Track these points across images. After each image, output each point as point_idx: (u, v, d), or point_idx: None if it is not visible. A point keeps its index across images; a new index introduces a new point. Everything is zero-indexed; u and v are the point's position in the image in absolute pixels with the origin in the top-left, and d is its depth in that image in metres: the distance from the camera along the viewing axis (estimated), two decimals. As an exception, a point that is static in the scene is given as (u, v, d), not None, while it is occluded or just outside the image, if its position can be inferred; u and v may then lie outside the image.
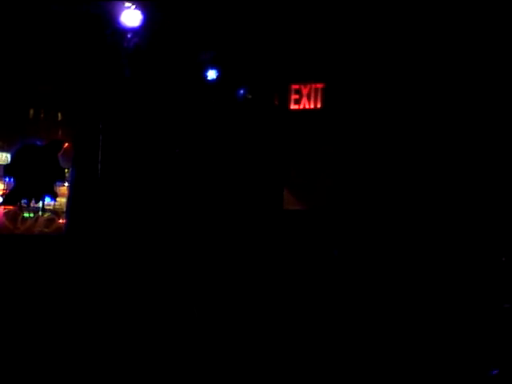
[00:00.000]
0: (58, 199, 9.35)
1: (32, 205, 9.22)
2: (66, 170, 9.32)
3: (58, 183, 9.31)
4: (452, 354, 6.42)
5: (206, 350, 6.59)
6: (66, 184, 9.36)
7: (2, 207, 9.21)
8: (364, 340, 6.85)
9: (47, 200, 9.31)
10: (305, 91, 9.50)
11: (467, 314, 7.22)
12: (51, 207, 9.37)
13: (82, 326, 7.08)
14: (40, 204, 9.29)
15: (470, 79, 8.36)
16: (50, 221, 9.36)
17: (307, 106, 9.50)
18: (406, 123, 8.78)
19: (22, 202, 9.19)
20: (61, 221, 9.38)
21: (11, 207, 9.23)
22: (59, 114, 9.57)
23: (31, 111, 9.43)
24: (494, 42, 8.17)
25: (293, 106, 9.59)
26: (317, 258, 8.80)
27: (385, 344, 6.72)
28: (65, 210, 9.35)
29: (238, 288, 8.18)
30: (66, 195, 9.36)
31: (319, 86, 9.44)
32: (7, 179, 9.26)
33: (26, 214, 9.24)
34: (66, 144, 9.35)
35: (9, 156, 9.32)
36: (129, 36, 8.84)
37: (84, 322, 7.20)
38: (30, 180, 9.13)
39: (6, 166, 9.25)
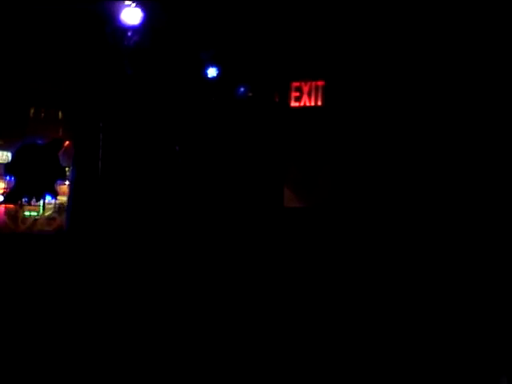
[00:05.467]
0: (58, 198, 9.34)
1: (33, 203, 9.22)
2: (67, 169, 9.32)
3: (58, 182, 9.31)
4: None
5: (207, 347, 6.61)
6: (67, 182, 9.36)
7: (3, 206, 9.19)
8: (364, 335, 6.88)
9: (48, 198, 9.30)
10: (305, 89, 9.49)
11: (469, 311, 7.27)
12: (52, 206, 9.36)
13: (83, 324, 7.11)
14: (41, 202, 9.27)
15: (472, 77, 8.37)
16: (51, 219, 9.35)
17: (308, 104, 9.48)
18: (407, 121, 8.79)
19: (23, 200, 9.19)
20: (61, 219, 9.37)
21: (12, 206, 9.21)
22: (59, 113, 9.54)
23: (31, 110, 9.40)
24: (495, 42, 8.18)
25: (293, 104, 9.58)
26: (317, 255, 8.82)
27: (385, 340, 6.75)
28: (66, 208, 9.33)
29: (239, 285, 8.20)
30: (67, 194, 9.36)
31: (320, 83, 9.43)
32: (8, 178, 9.23)
33: (26, 213, 9.23)
34: (67, 142, 9.35)
35: (9, 155, 9.30)
36: (129, 34, 8.81)
37: (85, 320, 7.23)
38: (30, 179, 9.13)
39: (6, 165, 9.22)
